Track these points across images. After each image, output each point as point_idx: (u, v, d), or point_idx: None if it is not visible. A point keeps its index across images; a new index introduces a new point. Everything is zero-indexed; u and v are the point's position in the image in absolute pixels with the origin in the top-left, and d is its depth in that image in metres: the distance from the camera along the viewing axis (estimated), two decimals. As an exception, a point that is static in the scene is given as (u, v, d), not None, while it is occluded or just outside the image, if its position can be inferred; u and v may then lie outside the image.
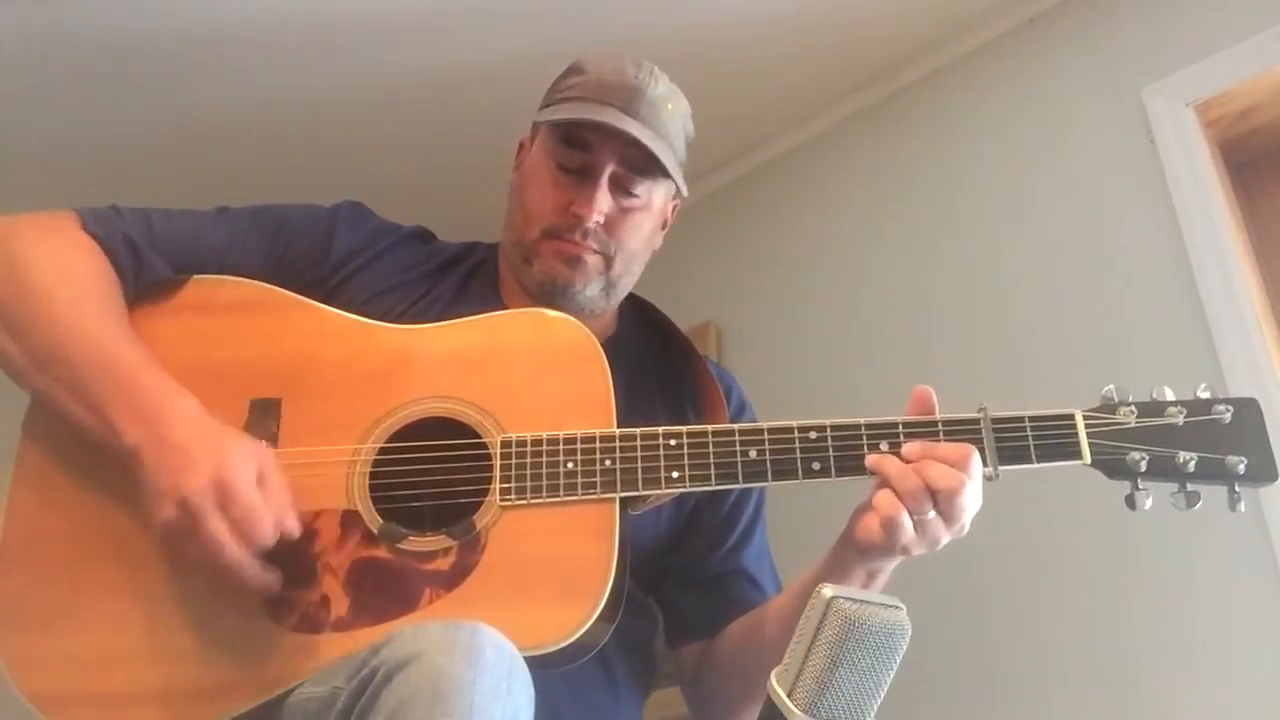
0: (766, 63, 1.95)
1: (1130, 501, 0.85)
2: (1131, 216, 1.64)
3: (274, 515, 0.80)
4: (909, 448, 0.84)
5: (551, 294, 0.99)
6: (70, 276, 0.90)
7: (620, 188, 1.00)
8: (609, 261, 1.00)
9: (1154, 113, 1.64)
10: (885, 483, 0.83)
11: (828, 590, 0.65)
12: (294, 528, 0.82)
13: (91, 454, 0.88)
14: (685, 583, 1.05)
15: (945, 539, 0.84)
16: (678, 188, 1.03)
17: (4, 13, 1.67)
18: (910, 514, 0.81)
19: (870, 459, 0.84)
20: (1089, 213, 1.69)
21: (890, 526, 0.82)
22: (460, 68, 1.91)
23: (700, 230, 2.06)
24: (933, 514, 0.82)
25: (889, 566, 0.90)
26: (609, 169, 0.98)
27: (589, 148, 0.98)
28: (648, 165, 0.99)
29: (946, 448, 0.83)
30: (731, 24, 1.84)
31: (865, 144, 2.02)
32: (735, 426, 0.88)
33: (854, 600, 0.65)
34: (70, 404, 0.85)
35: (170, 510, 0.78)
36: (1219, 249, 1.53)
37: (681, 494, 1.00)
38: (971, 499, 0.83)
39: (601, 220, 0.98)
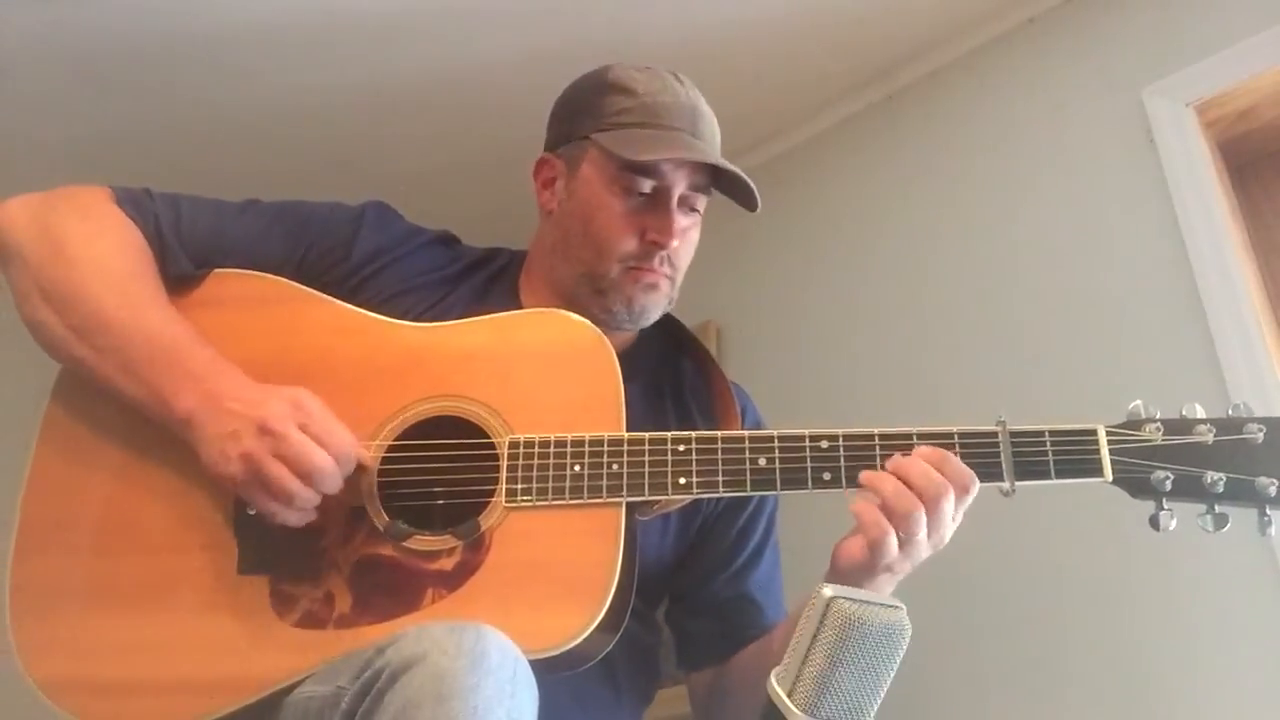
0: (766, 63, 1.94)
1: (1154, 522, 0.83)
2: (1131, 217, 1.63)
3: (350, 438, 0.83)
4: (904, 462, 0.82)
5: (627, 322, 0.99)
6: (110, 251, 0.91)
7: (684, 207, 1.00)
8: (674, 282, 1.01)
9: (1154, 113, 1.64)
10: (882, 502, 0.81)
11: (828, 590, 0.65)
12: (367, 456, 0.85)
13: (114, 437, 0.89)
14: (693, 608, 1.04)
15: (925, 554, 0.84)
16: (754, 201, 1.00)
17: (5, 12, 1.67)
18: (899, 533, 0.81)
19: (865, 475, 0.83)
20: (1089, 213, 1.69)
21: (876, 547, 0.81)
22: (466, 67, 1.91)
23: (700, 230, 2.05)
24: (922, 535, 0.81)
25: (884, 589, 0.87)
26: (679, 191, 0.98)
27: (659, 174, 0.97)
28: (706, 184, 1.00)
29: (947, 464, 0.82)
30: (732, 24, 1.84)
31: (865, 144, 2.02)
32: (746, 434, 0.87)
33: (854, 600, 0.65)
34: (115, 375, 0.86)
35: (249, 440, 0.81)
36: (1219, 249, 1.53)
37: (689, 513, 1.00)
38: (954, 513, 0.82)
39: (677, 244, 0.98)
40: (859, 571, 0.84)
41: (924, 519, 0.81)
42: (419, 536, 0.86)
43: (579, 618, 0.80)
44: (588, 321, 0.92)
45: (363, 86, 1.94)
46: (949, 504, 0.81)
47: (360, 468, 0.86)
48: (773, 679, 0.65)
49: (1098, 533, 1.50)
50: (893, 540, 0.81)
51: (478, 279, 1.05)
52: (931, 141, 1.92)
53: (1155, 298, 1.57)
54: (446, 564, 0.84)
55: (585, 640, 0.80)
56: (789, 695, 0.63)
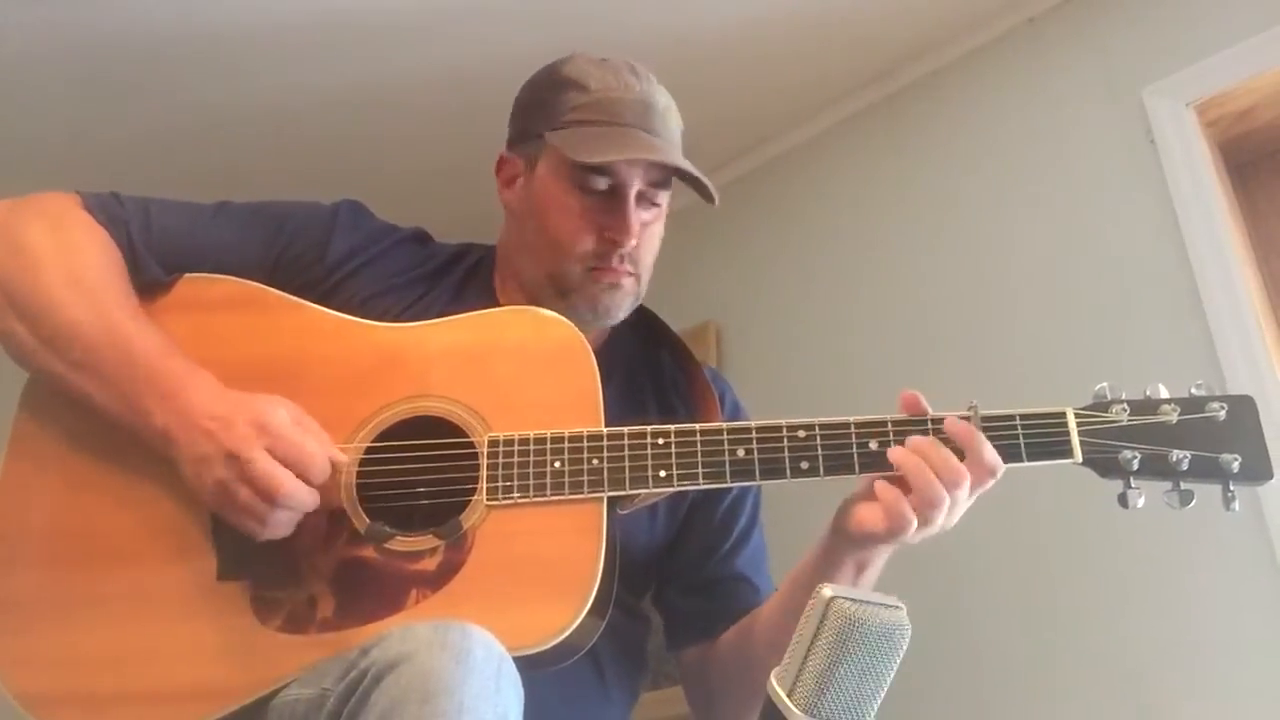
0: (766, 63, 1.94)
1: (1123, 500, 0.84)
2: (1131, 216, 1.63)
3: (320, 447, 0.81)
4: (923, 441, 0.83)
5: (593, 322, 0.98)
6: (81, 261, 0.90)
7: (644, 203, 0.99)
8: (638, 279, 1.00)
9: (1154, 113, 1.64)
10: (905, 479, 0.82)
11: (828, 590, 0.64)
12: (341, 457, 0.84)
13: (85, 446, 0.88)
14: (683, 587, 1.04)
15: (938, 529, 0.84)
16: (710, 193, 0.99)
17: (4, 12, 1.67)
18: (918, 512, 0.81)
19: (893, 453, 0.83)
20: (1089, 213, 1.68)
21: (897, 522, 0.82)
22: (466, 67, 1.90)
23: (700, 230, 2.05)
24: (940, 519, 0.81)
25: (880, 558, 0.89)
26: (636, 188, 0.98)
27: (614, 171, 0.96)
28: (666, 178, 0.99)
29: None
30: (732, 24, 1.84)
31: (865, 144, 2.02)
32: (723, 425, 0.87)
33: (854, 600, 0.64)
34: (89, 387, 0.85)
35: (219, 468, 0.79)
36: (1219, 249, 1.53)
37: (676, 501, 1.00)
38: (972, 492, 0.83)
39: (636, 243, 0.97)
40: (870, 542, 0.86)
41: (946, 507, 0.81)
42: (401, 538, 0.85)
43: (563, 614, 0.80)
44: (565, 319, 0.92)
45: (362, 86, 1.94)
46: (965, 491, 0.82)
47: (338, 470, 0.85)
48: (773, 679, 0.64)
49: (1097, 530, 1.50)
50: (912, 516, 0.82)
51: (453, 277, 1.05)
52: (931, 141, 1.92)
53: (1155, 298, 1.57)
54: (429, 564, 0.83)
55: (569, 636, 0.80)
56: (789, 695, 0.62)
